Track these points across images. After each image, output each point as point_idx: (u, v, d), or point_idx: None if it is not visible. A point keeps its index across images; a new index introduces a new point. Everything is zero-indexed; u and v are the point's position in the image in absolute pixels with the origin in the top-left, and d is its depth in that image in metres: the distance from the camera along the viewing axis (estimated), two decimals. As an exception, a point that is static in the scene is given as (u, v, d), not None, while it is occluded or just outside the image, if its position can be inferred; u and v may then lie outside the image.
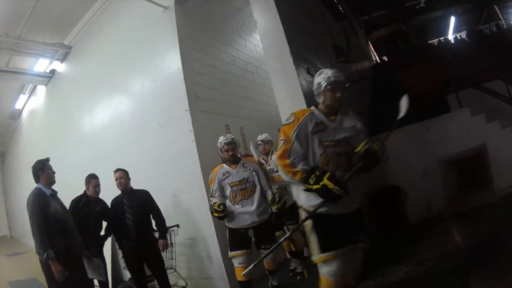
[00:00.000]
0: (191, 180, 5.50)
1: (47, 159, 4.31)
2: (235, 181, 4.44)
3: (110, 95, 7.16)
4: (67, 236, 3.99)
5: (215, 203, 4.27)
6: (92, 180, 5.28)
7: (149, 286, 5.33)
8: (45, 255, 3.74)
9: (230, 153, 4.47)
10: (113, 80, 7.08)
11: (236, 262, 4.38)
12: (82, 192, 5.27)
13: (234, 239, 4.40)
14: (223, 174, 4.48)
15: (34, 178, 4.18)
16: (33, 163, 4.28)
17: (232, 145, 4.48)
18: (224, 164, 4.59)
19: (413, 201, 6.49)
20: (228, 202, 4.41)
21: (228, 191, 4.45)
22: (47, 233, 3.83)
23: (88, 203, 5.11)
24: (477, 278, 3.68)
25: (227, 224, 4.50)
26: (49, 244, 3.78)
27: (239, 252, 4.34)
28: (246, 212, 4.36)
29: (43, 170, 4.17)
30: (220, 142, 4.53)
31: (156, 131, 6.03)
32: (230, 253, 4.41)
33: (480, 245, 4.55)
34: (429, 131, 6.67)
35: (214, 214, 4.28)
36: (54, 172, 4.30)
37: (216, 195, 4.46)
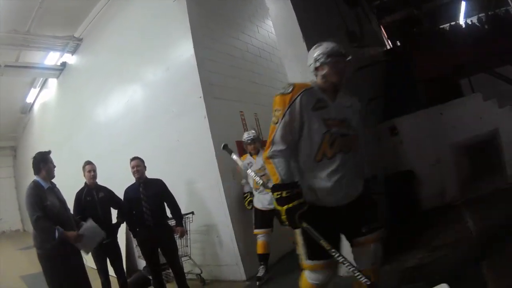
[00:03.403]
0: (206, 168, 5.52)
1: (49, 152, 4.30)
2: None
3: (123, 85, 7.18)
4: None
5: (297, 203, 2.76)
6: (87, 166, 5.27)
7: (164, 274, 5.39)
8: (56, 235, 3.77)
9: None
10: (125, 70, 7.08)
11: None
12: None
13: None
14: (318, 100, 2.98)
15: (34, 170, 4.14)
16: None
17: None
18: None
19: (427, 186, 6.49)
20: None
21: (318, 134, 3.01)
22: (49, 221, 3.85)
23: (90, 191, 5.14)
24: (490, 265, 3.66)
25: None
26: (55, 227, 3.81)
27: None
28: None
29: (45, 163, 4.15)
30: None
31: (170, 120, 6.04)
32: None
33: (493, 231, 4.53)
34: (442, 116, 6.63)
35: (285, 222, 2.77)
36: (54, 166, 4.27)
37: (285, 141, 3.61)
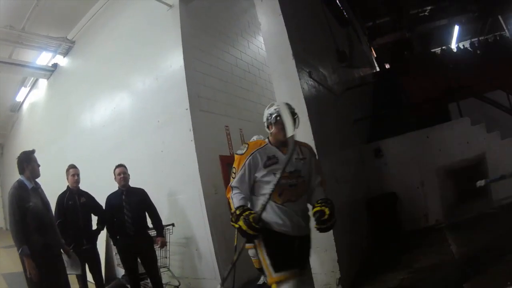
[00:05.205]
0: (188, 180, 5.49)
1: (33, 151, 4.25)
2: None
3: (111, 91, 7.13)
4: (44, 232, 3.93)
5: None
6: (71, 169, 5.19)
7: (142, 284, 5.31)
8: (19, 251, 3.72)
9: None
10: (115, 76, 7.04)
11: None
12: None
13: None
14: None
15: (19, 170, 4.11)
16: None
17: None
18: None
19: (411, 209, 6.51)
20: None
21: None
22: (25, 228, 3.80)
23: (72, 195, 5.07)
24: (472, 287, 3.67)
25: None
26: (25, 240, 3.74)
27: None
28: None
29: (28, 162, 4.11)
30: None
31: (155, 129, 6.00)
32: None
33: (475, 254, 4.55)
34: (429, 139, 6.68)
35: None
36: (39, 165, 4.23)
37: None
